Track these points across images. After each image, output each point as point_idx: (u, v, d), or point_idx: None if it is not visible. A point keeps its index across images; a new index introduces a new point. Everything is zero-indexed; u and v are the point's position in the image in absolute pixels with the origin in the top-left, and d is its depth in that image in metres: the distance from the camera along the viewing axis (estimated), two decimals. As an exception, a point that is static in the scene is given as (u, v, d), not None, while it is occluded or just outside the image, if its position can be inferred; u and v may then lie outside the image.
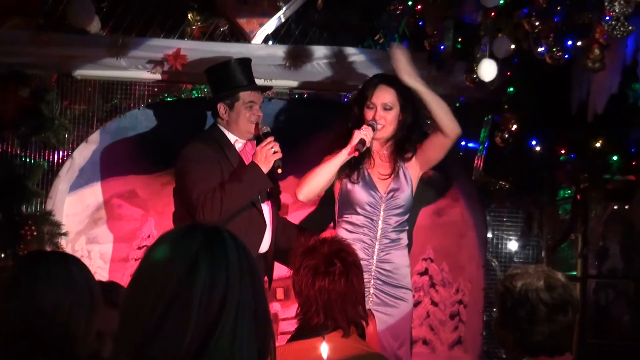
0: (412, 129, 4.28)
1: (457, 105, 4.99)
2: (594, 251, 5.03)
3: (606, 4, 3.63)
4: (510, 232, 5.32)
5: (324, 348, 2.77)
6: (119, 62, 4.84)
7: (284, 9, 4.97)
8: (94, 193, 5.16)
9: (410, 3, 4.83)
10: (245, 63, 4.42)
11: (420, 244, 5.03)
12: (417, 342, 5.09)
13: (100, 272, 5.06)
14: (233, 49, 4.84)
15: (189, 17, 5.02)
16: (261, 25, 4.95)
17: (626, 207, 4.91)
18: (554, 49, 4.02)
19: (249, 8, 4.95)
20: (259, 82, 4.59)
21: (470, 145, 5.10)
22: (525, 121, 4.58)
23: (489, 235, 5.30)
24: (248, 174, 4.14)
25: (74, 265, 2.08)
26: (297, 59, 4.88)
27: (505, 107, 4.66)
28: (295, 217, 5.08)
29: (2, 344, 2.00)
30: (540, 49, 4.11)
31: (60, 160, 5.06)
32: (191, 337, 1.37)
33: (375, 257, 4.15)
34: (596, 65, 3.84)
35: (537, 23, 4.05)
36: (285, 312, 5.09)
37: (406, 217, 4.25)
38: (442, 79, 4.82)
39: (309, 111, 5.21)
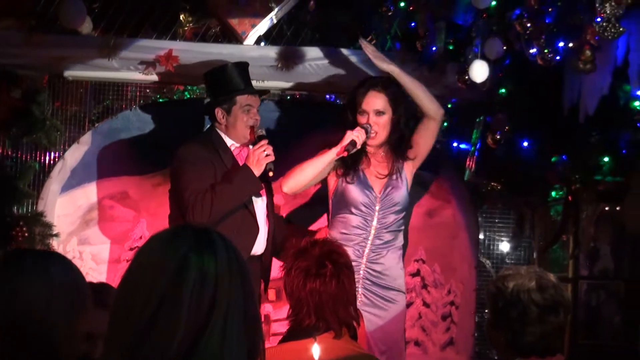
0: (406, 129, 4.29)
1: (449, 106, 4.99)
2: (585, 252, 5.04)
3: (597, 5, 3.64)
4: (502, 233, 5.33)
5: (316, 349, 2.77)
6: (111, 63, 4.83)
7: (276, 10, 4.96)
8: (86, 194, 5.14)
9: (402, 4, 4.83)
10: (242, 67, 4.40)
11: (412, 245, 5.03)
12: (409, 343, 5.08)
13: (92, 273, 5.03)
14: (225, 50, 4.83)
15: (181, 18, 5.00)
16: (253, 26, 4.94)
17: (617, 208, 4.92)
18: (546, 51, 4.03)
19: (241, 9, 4.94)
20: (254, 84, 4.57)
21: (462, 146, 5.11)
22: (516, 122, 4.59)
23: (481, 236, 5.31)
24: (239, 176, 4.13)
25: (57, 264, 2.02)
26: (289, 60, 4.87)
27: (497, 108, 4.67)
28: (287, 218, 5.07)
29: None
30: (531, 51, 4.12)
31: (51, 161, 5.05)
32: (181, 337, 1.37)
33: (365, 257, 4.15)
34: (587, 66, 3.85)
35: (528, 24, 4.06)
36: (277, 314, 5.08)
37: (403, 214, 4.27)
38: (434, 80, 4.81)
39: (301, 112, 5.21)
